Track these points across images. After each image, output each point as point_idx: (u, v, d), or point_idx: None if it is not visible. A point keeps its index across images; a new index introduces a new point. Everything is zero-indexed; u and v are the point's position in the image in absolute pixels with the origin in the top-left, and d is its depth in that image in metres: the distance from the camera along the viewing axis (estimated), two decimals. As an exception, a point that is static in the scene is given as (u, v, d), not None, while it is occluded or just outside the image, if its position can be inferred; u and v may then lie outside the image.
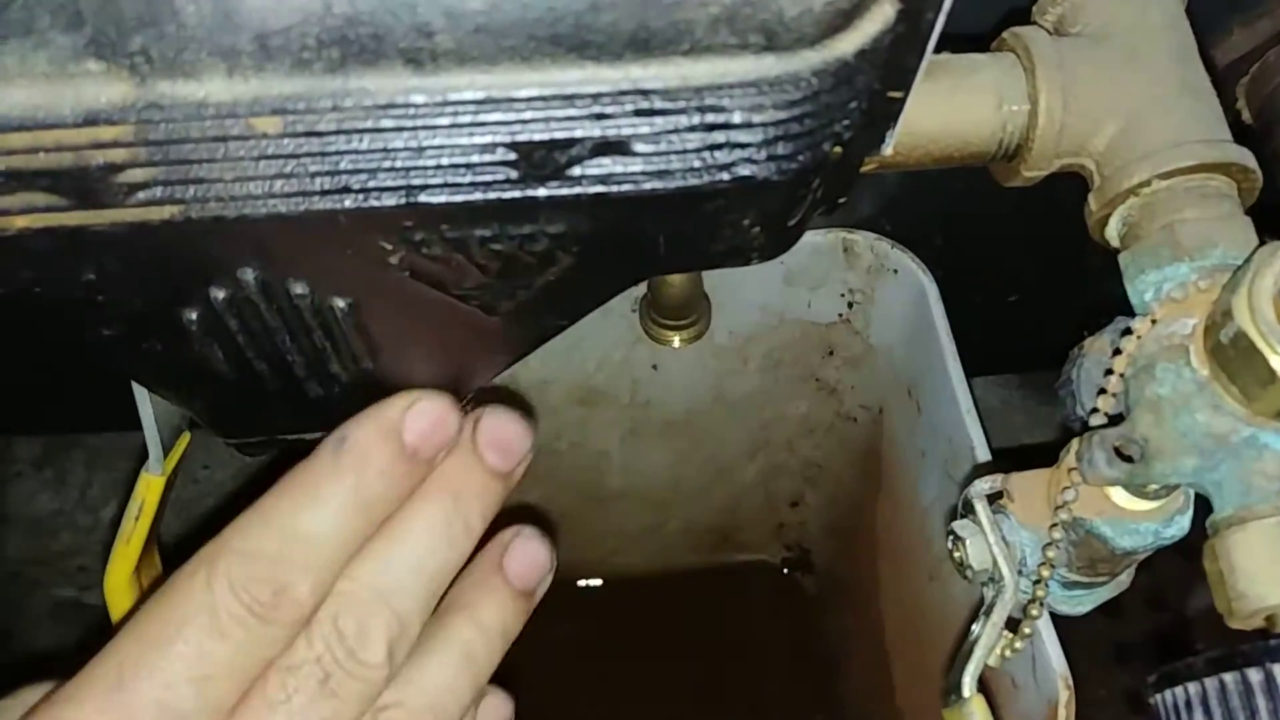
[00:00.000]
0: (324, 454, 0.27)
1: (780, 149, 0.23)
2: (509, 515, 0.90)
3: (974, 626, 0.34)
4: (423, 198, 0.23)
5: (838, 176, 0.26)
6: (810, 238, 0.66)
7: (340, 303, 0.27)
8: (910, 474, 0.70)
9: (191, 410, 0.33)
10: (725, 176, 0.23)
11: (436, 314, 0.28)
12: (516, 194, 0.23)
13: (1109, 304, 0.81)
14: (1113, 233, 0.29)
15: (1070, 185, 0.67)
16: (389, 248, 0.25)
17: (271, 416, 0.33)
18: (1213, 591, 0.25)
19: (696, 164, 0.23)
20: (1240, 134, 0.37)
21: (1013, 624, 0.34)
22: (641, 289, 0.61)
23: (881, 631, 0.81)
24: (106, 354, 0.28)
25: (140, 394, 0.37)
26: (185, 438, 0.40)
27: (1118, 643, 0.92)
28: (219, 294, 0.26)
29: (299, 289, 0.26)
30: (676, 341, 0.55)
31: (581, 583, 0.98)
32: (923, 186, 0.65)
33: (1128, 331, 0.28)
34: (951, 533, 0.35)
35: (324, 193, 0.22)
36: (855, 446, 0.81)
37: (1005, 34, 0.29)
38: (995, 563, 0.34)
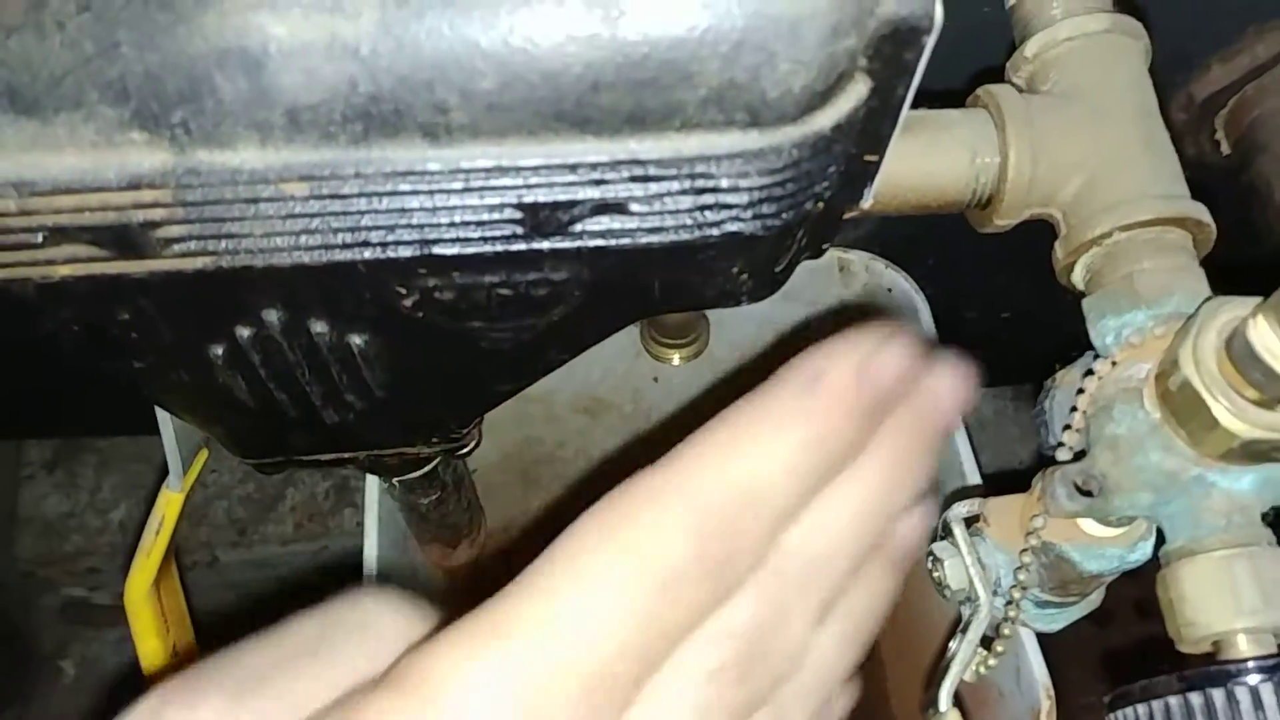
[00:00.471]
0: (791, 391, 0.22)
1: (765, 209, 0.25)
2: (514, 522, 0.91)
3: (952, 644, 0.36)
4: (436, 250, 0.25)
5: (820, 227, 0.28)
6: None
7: (357, 340, 0.29)
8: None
9: (212, 434, 0.35)
10: (715, 233, 0.25)
11: (446, 348, 0.30)
12: (522, 246, 0.25)
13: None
14: (1078, 278, 0.31)
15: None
16: (403, 292, 0.27)
17: (288, 440, 0.35)
18: (1165, 618, 0.27)
19: (688, 222, 0.25)
20: (1218, 165, 0.40)
21: (989, 641, 0.36)
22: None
23: (876, 642, 0.82)
24: (135, 382, 0.30)
25: (162, 414, 0.39)
26: (203, 455, 0.42)
27: (1107, 650, 0.94)
28: (244, 332, 0.28)
29: (319, 327, 0.28)
30: (676, 359, 0.57)
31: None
32: (916, 209, 0.67)
33: (1090, 372, 0.30)
34: (931, 554, 0.37)
35: (345, 246, 0.24)
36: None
37: (979, 91, 0.31)
38: (971, 583, 0.36)
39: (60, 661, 1.04)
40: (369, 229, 0.24)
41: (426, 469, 0.44)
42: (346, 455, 0.37)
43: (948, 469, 0.62)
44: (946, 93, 0.32)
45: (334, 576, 0.96)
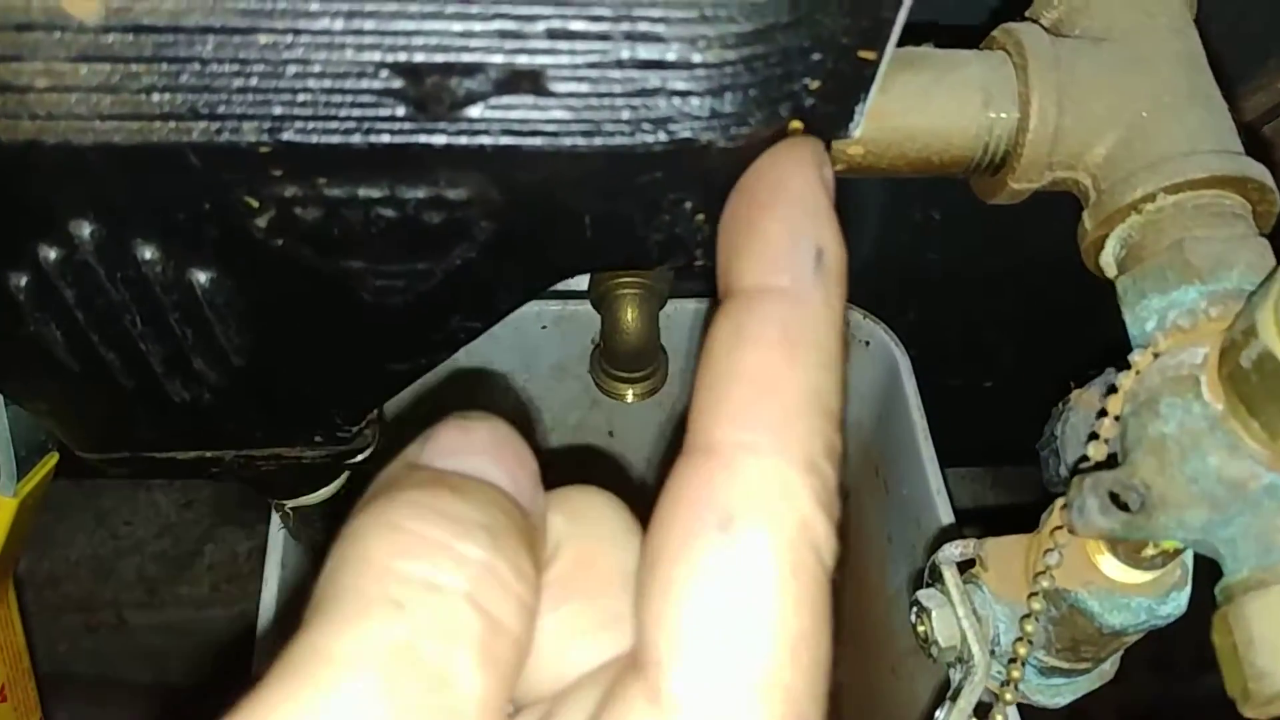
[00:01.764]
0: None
1: (728, 104, 0.19)
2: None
3: (938, 713, 0.29)
4: (288, 134, 0.19)
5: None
6: (778, 302, 0.63)
7: (201, 277, 0.22)
8: (876, 559, 0.66)
9: (37, 413, 0.28)
10: (661, 136, 0.19)
11: (320, 301, 0.24)
12: (405, 138, 0.19)
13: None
14: (1109, 258, 0.25)
15: (1057, 263, 0.65)
16: (255, 205, 0.21)
17: (131, 427, 0.28)
18: (1224, 670, 0.21)
19: (626, 115, 0.19)
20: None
21: (982, 710, 0.29)
22: (594, 336, 0.57)
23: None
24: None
25: (-6, 399, 0.32)
26: (51, 459, 0.36)
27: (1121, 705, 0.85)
28: (50, 254, 0.21)
29: (147, 253, 0.22)
30: (630, 395, 0.50)
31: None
32: (898, 253, 0.62)
33: (1125, 367, 0.24)
34: (916, 603, 0.31)
35: (164, 116, 0.18)
36: (818, 531, 0.77)
37: (996, 31, 0.26)
38: (964, 639, 0.29)
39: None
40: (194, 90, 0.18)
41: (323, 492, 0.37)
42: (209, 454, 0.30)
43: (928, 533, 0.56)
44: (959, 30, 0.26)
45: (251, 646, 0.87)
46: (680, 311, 0.57)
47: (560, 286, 0.54)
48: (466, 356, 0.64)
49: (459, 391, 0.64)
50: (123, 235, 0.21)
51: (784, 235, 0.17)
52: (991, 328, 0.69)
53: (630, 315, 0.48)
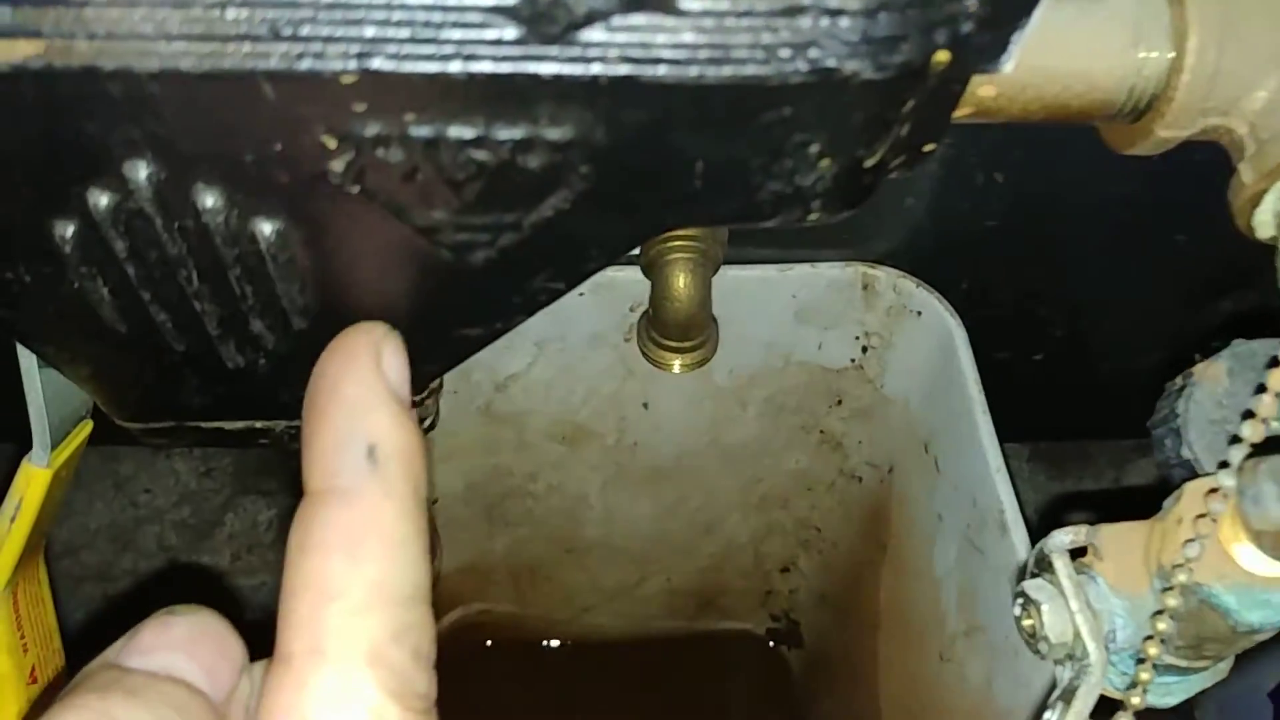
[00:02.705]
0: None
1: (881, 25, 0.17)
2: (475, 564, 0.82)
3: (1048, 715, 0.27)
4: (377, 61, 0.16)
5: (934, 103, 0.20)
6: (827, 270, 0.60)
7: (266, 228, 0.20)
8: (923, 540, 0.64)
9: (78, 379, 0.26)
10: (801, 65, 0.17)
11: (393, 258, 0.21)
12: (509, 66, 0.17)
13: (1146, 375, 0.74)
14: (1267, 215, 0.23)
15: (1120, 233, 0.62)
16: (332, 146, 0.18)
17: (179, 393, 0.26)
18: None
19: (766, 39, 0.17)
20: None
21: (1096, 711, 0.27)
22: (642, 303, 0.55)
23: (877, 717, 0.73)
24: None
25: (27, 363, 0.30)
26: (85, 427, 0.33)
27: None
28: (101, 200, 0.19)
29: (209, 200, 0.19)
30: (677, 366, 0.48)
31: (546, 643, 0.90)
32: (955, 217, 0.59)
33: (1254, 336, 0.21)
34: (1021, 595, 0.28)
35: (239, 37, 0.16)
36: (858, 508, 0.75)
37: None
38: (1078, 635, 0.27)
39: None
40: (278, 6, 0.16)
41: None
42: (260, 424, 0.28)
43: (984, 514, 0.53)
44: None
45: (272, 616, 0.86)
46: (729, 279, 0.55)
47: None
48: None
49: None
50: (183, 179, 0.19)
51: (336, 438, 0.19)
52: (1047, 299, 0.67)
53: (682, 281, 0.45)
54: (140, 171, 0.19)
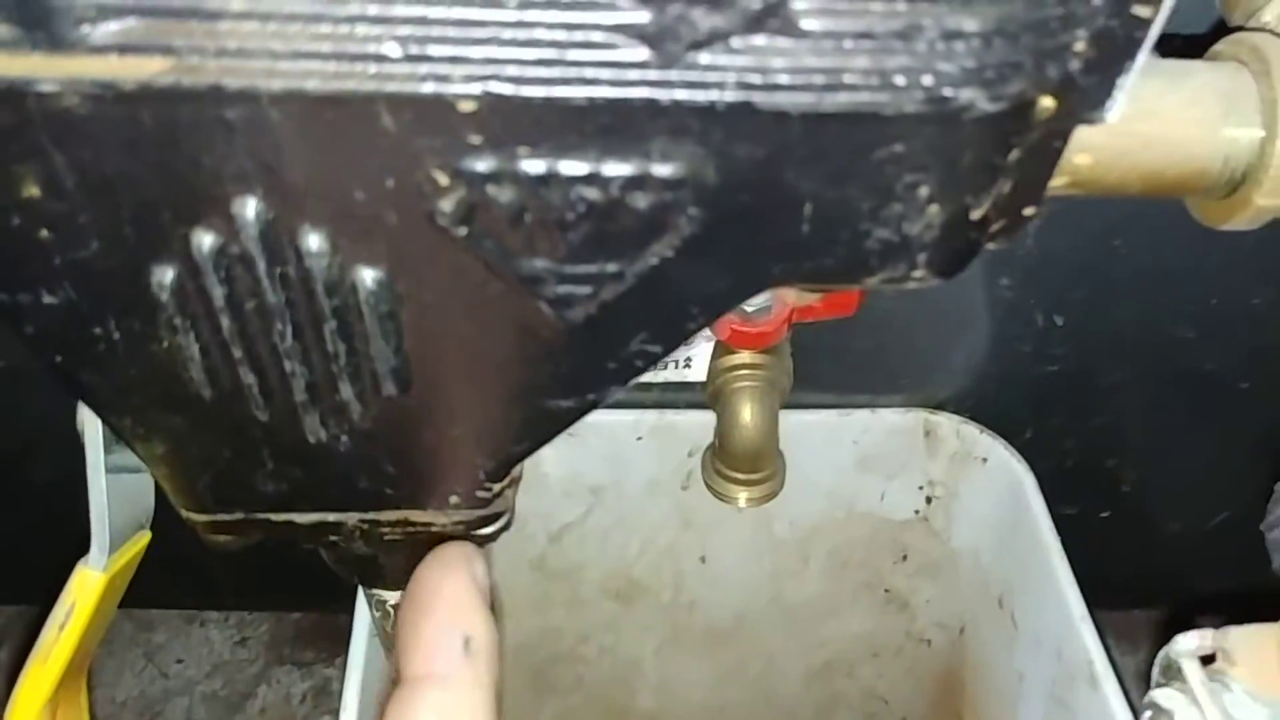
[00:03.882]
0: None
1: (997, 51, 0.17)
2: None
3: (1191, 840, 0.25)
4: (498, 85, 0.17)
5: (1037, 157, 0.20)
6: (889, 415, 0.60)
7: (367, 277, 0.20)
8: (1004, 703, 0.60)
9: (151, 459, 0.25)
10: (917, 94, 0.17)
11: (490, 316, 0.21)
12: (628, 91, 0.17)
13: (1222, 534, 0.71)
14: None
15: (1186, 381, 0.61)
16: (444, 183, 0.18)
17: (253, 478, 0.25)
18: None
19: (884, 63, 0.17)
20: None
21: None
22: (700, 449, 0.54)
23: None
24: (39, 344, 0.21)
25: (94, 460, 0.30)
26: (144, 538, 0.32)
27: None
28: (205, 241, 0.19)
29: (314, 243, 0.19)
30: (743, 500, 0.47)
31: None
32: (1016, 362, 0.59)
33: None
34: (1152, 705, 0.26)
35: (365, 57, 0.16)
36: (929, 675, 0.71)
37: (1221, 43, 0.24)
38: (1216, 747, 0.24)
39: None
40: (410, 22, 0.16)
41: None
42: (332, 518, 0.27)
43: (1071, 667, 0.50)
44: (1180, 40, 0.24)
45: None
46: (790, 422, 0.54)
47: (666, 377, 0.51)
48: (555, 466, 0.61)
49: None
50: (290, 219, 0.19)
51: (437, 631, 0.22)
52: (1114, 450, 0.65)
53: (749, 411, 0.45)
54: (249, 209, 0.19)
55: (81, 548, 0.32)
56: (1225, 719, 0.25)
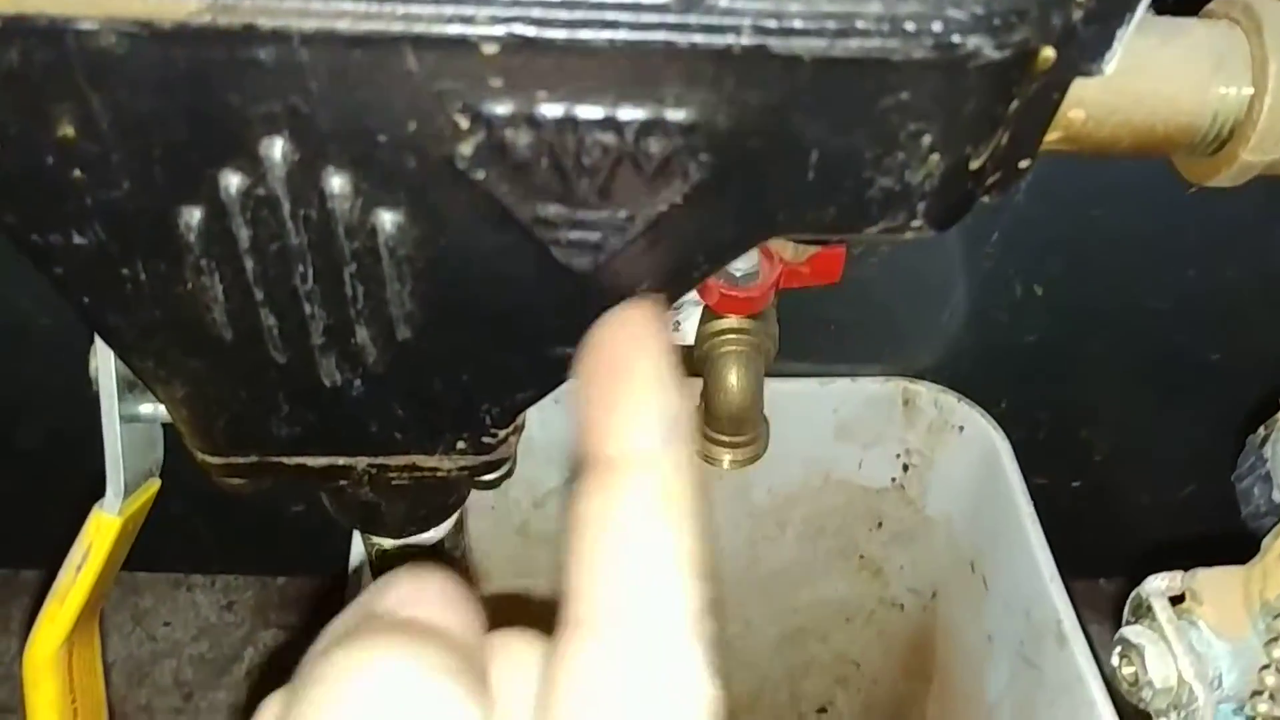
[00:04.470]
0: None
1: (1004, 0, 0.18)
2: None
3: (1159, 769, 0.26)
4: (521, 27, 0.17)
5: (1034, 110, 0.21)
6: (868, 384, 0.61)
7: (387, 220, 0.21)
8: (973, 665, 0.61)
9: (171, 400, 0.26)
10: (925, 40, 0.18)
11: (503, 261, 0.22)
12: (646, 34, 0.18)
13: (1190, 505, 0.73)
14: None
15: (1162, 352, 0.62)
16: (464, 126, 0.19)
17: (268, 421, 0.26)
18: None
19: (894, 9, 0.18)
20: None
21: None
22: (693, 401, 0.55)
23: None
24: (68, 285, 0.22)
25: (109, 405, 0.30)
26: (154, 485, 0.33)
27: None
28: (232, 182, 0.20)
29: (336, 184, 0.20)
30: (727, 461, 0.48)
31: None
32: (994, 331, 0.60)
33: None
34: (1122, 641, 0.27)
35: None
36: (900, 639, 0.72)
37: (1214, 2, 0.25)
38: (1182, 680, 0.26)
39: None
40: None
41: (431, 534, 0.35)
42: (342, 461, 0.28)
43: (1039, 626, 0.52)
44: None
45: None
46: (769, 391, 0.55)
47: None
48: (539, 431, 0.61)
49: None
50: (315, 161, 0.19)
51: (641, 406, 0.18)
52: (1087, 421, 0.67)
53: (735, 375, 0.46)
54: (276, 150, 0.19)
55: (81, 510, 0.32)
56: (1191, 655, 0.26)
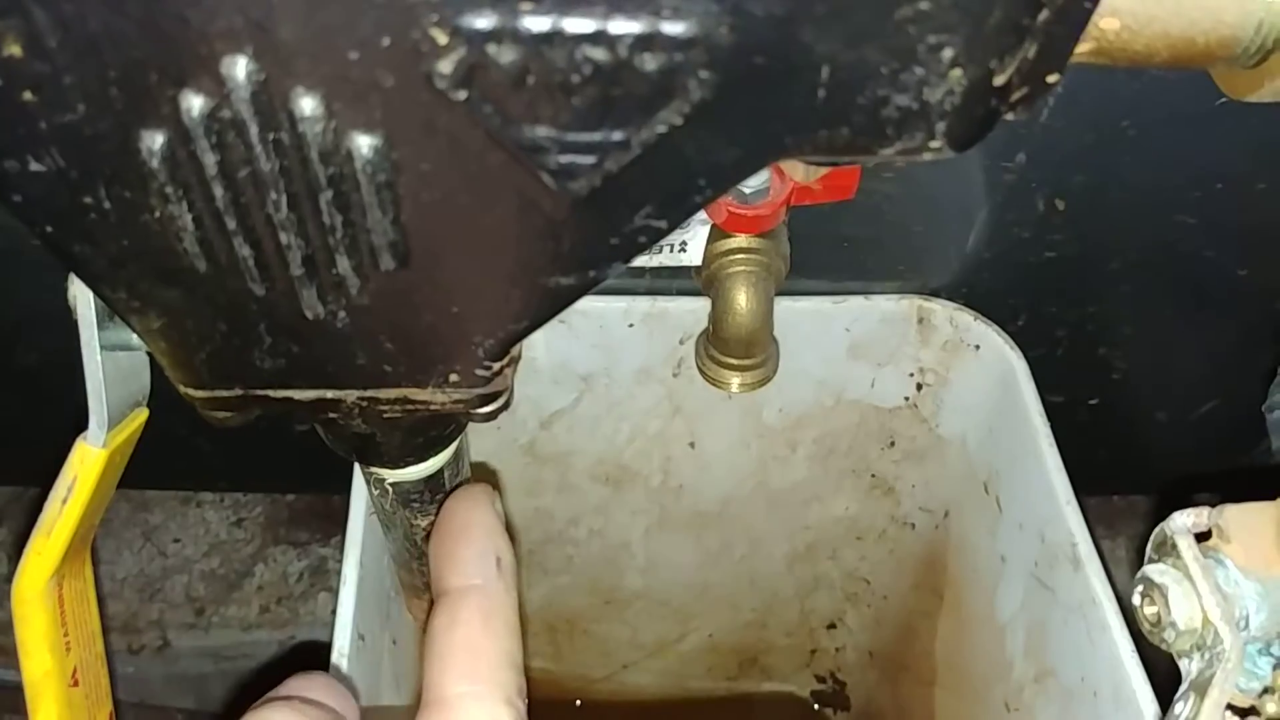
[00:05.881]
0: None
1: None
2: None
3: (1177, 707, 0.25)
4: (505, -70, 0.16)
5: (1064, 19, 0.19)
6: (882, 302, 0.59)
7: (363, 144, 0.19)
8: (985, 585, 0.61)
9: (147, 333, 0.24)
10: (943, -55, 0.16)
11: (490, 188, 0.20)
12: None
13: (1208, 421, 0.72)
14: None
15: (1185, 270, 0.60)
16: (443, 41, 0.17)
17: (251, 354, 0.25)
18: None
19: (911, -91, 0.16)
20: None
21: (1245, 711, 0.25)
22: (692, 336, 0.54)
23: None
24: (29, 214, 0.21)
25: (88, 336, 0.29)
26: (141, 415, 0.32)
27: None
28: (194, 103, 0.18)
29: (307, 106, 0.18)
30: (736, 385, 0.47)
31: (580, 702, 0.87)
32: (1014, 248, 0.58)
33: None
34: (1144, 580, 0.26)
35: (362, -103, 0.15)
36: (910, 557, 0.72)
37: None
38: (1207, 620, 0.25)
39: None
40: None
41: (430, 464, 0.34)
42: (331, 394, 0.27)
43: (1054, 549, 0.51)
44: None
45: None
46: (781, 309, 0.54)
47: (660, 261, 0.50)
48: (545, 353, 0.60)
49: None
50: (282, 80, 0.18)
51: (475, 551, 0.27)
52: (1106, 338, 0.65)
53: (744, 296, 0.44)
54: (239, 69, 0.18)
55: (78, 427, 0.32)
56: (1217, 594, 0.25)
